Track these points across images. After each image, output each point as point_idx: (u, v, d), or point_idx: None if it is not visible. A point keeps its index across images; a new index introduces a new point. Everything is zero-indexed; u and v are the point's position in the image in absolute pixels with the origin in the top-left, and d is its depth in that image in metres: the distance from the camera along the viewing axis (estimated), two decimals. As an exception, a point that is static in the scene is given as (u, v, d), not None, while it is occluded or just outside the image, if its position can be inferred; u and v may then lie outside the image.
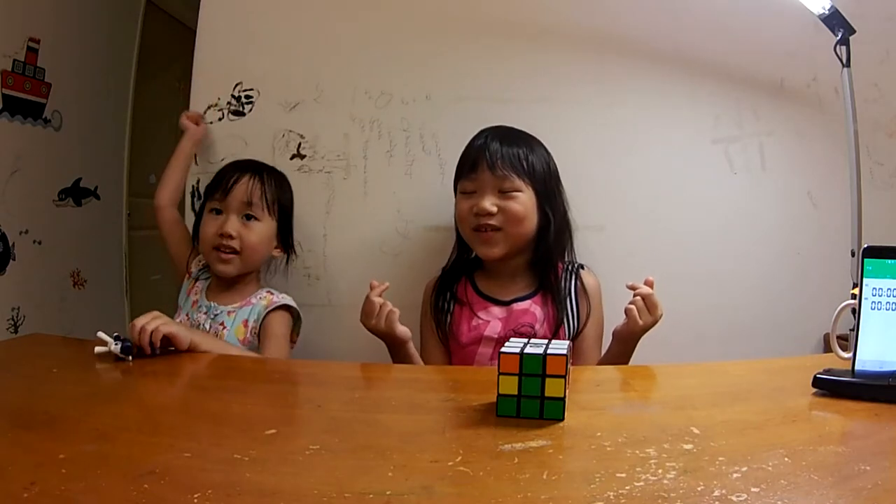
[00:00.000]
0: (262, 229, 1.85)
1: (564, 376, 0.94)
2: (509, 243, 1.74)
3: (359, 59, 2.21)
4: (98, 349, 1.35)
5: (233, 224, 1.80)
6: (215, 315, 1.83)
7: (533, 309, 1.76)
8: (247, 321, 1.82)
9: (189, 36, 2.32)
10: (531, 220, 1.74)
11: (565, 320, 1.75)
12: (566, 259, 1.85)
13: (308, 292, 2.18)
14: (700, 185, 2.19)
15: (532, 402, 0.94)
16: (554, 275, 1.78)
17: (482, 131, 1.82)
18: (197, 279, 1.93)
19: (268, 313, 1.81)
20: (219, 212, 1.83)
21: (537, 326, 1.74)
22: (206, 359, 1.40)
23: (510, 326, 1.76)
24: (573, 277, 1.80)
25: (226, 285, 1.88)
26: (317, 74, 2.21)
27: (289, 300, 1.87)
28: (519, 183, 1.72)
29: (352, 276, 2.19)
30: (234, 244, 1.80)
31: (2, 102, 2.68)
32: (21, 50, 2.77)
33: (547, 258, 1.78)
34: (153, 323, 1.40)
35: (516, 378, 0.95)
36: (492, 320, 1.77)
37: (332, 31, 2.22)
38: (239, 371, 1.38)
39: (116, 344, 1.34)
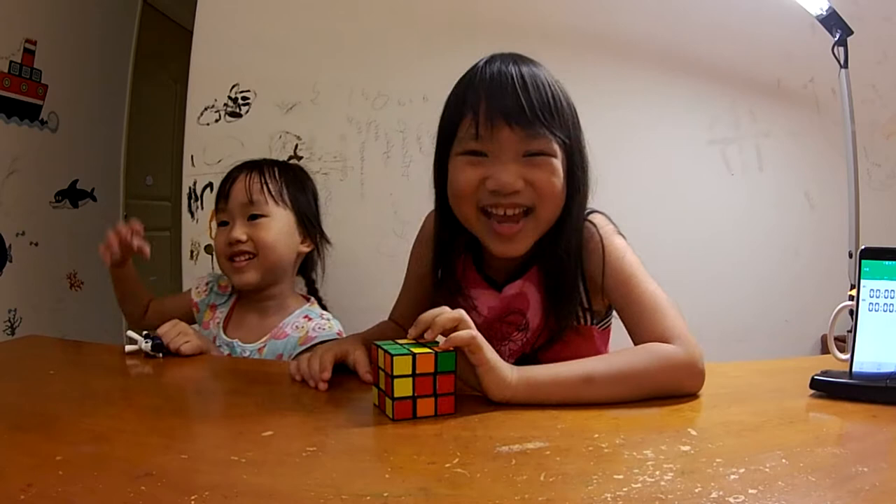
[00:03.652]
0: (273, 224, 1.63)
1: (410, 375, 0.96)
2: (538, 230, 1.22)
3: (355, 61, 2.21)
4: (129, 348, 1.35)
5: (239, 228, 1.61)
6: (242, 356, 1.62)
7: (526, 289, 1.30)
8: (281, 356, 1.61)
9: (186, 37, 2.33)
10: (562, 194, 1.21)
11: (575, 305, 1.28)
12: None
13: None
14: (697, 186, 2.20)
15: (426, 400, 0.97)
16: (560, 243, 1.24)
17: (488, 62, 1.24)
18: (214, 307, 1.73)
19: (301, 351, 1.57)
20: (226, 223, 1.65)
21: (529, 315, 1.30)
22: (203, 360, 1.40)
23: (495, 315, 1.33)
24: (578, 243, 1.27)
25: (247, 313, 1.70)
26: (313, 76, 2.21)
27: (329, 332, 1.63)
28: (551, 145, 1.18)
29: (348, 278, 2.19)
30: (247, 247, 1.60)
31: (-2, 104, 2.68)
32: (17, 51, 2.77)
33: (559, 230, 1.24)
34: (177, 340, 1.37)
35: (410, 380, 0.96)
36: (479, 305, 1.34)
37: (328, 33, 2.22)
38: (235, 373, 1.38)
39: (147, 342, 1.34)
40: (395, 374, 0.94)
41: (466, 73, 1.26)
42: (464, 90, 1.23)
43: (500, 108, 1.15)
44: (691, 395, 1.06)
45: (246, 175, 1.65)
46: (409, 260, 1.49)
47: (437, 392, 0.97)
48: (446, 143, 1.25)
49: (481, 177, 1.18)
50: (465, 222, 1.25)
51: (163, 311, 1.70)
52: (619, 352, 1.11)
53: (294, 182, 1.73)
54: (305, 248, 1.73)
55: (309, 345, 1.57)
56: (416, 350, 0.96)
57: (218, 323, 1.68)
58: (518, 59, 1.23)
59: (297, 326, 1.64)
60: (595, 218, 1.29)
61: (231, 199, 1.63)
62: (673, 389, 1.06)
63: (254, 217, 1.62)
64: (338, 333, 1.64)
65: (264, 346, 1.62)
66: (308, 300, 1.76)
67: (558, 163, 1.19)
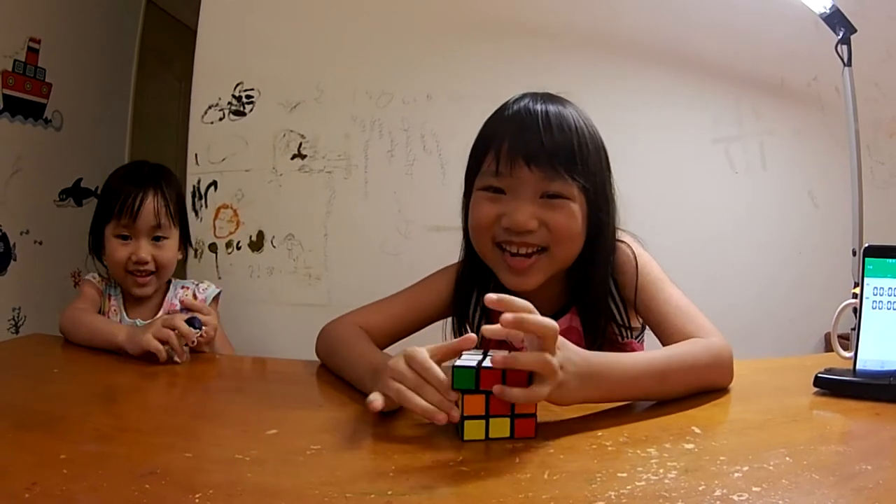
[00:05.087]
0: (171, 245, 1.83)
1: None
2: (552, 269, 1.24)
3: (359, 60, 2.21)
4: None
5: (145, 249, 1.76)
6: None
7: (574, 323, 1.32)
8: None
9: (190, 36, 2.33)
10: (580, 236, 1.23)
11: (615, 325, 1.32)
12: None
13: (308, 292, 2.19)
14: (701, 184, 2.19)
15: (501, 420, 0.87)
16: (594, 275, 1.29)
17: (518, 100, 1.25)
18: (109, 297, 1.84)
19: None
20: (125, 237, 1.77)
21: (582, 346, 1.22)
22: (206, 359, 1.40)
23: None
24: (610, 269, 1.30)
25: (139, 298, 1.84)
26: (318, 74, 2.21)
27: (209, 291, 1.89)
28: (570, 188, 1.19)
29: (352, 276, 2.19)
30: (150, 267, 1.77)
31: (2, 103, 2.68)
32: (22, 50, 2.77)
33: (587, 270, 1.28)
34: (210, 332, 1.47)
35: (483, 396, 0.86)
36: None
37: (332, 32, 2.22)
38: (239, 371, 1.38)
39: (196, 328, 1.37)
40: (455, 387, 0.86)
41: (496, 110, 1.28)
42: (490, 126, 1.26)
43: (521, 148, 1.17)
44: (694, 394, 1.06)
45: (154, 197, 1.79)
46: (418, 282, 1.45)
47: (515, 413, 0.87)
48: (471, 177, 1.27)
49: (498, 213, 1.20)
50: (481, 254, 1.28)
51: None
52: (677, 346, 1.10)
53: (180, 198, 1.91)
54: (180, 257, 1.91)
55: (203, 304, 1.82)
56: (487, 363, 0.86)
57: (115, 310, 1.81)
58: (548, 98, 1.24)
59: (181, 298, 1.83)
60: (624, 237, 1.33)
61: (140, 219, 1.76)
62: (717, 383, 1.09)
63: (157, 238, 1.80)
64: (218, 288, 1.91)
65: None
66: (169, 280, 1.91)
67: (576, 206, 1.20)
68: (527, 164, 1.16)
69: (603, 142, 1.29)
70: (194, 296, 1.88)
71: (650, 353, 1.07)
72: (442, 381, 0.88)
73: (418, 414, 0.88)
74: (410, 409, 0.88)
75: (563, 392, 0.89)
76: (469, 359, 0.89)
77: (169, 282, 1.89)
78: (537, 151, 1.16)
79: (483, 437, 0.86)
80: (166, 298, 1.86)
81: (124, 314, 1.80)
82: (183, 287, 1.89)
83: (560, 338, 0.90)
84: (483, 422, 0.86)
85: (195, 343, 1.37)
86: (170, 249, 1.82)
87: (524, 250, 1.20)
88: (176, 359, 1.33)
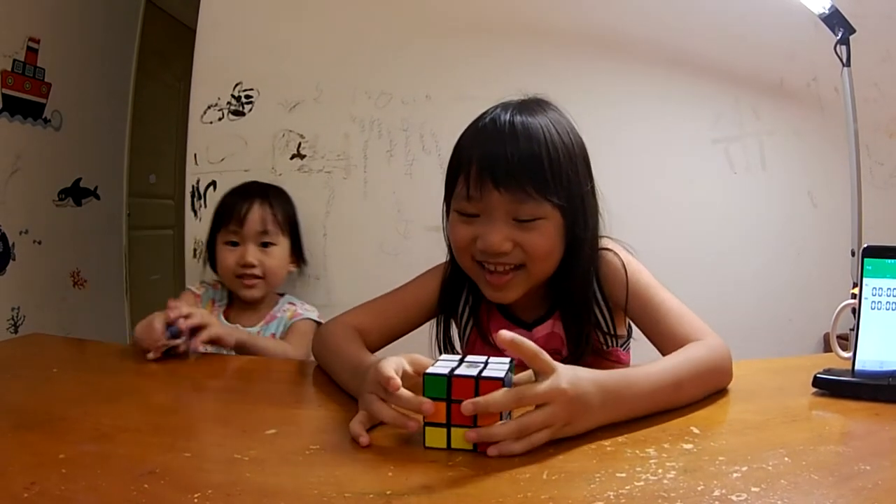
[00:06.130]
0: (279, 252, 1.92)
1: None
2: (531, 282, 1.24)
3: (359, 59, 2.21)
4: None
5: (252, 254, 1.86)
6: None
7: (557, 329, 1.33)
8: (274, 335, 1.88)
9: (189, 36, 2.33)
10: (557, 251, 1.23)
11: (599, 333, 1.32)
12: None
13: (308, 292, 2.18)
14: (700, 184, 2.19)
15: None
16: (575, 286, 1.28)
17: (490, 112, 1.25)
18: (213, 301, 1.94)
19: (293, 323, 1.91)
20: (234, 243, 1.88)
21: (564, 352, 1.32)
22: (206, 359, 1.40)
23: None
24: (593, 278, 1.30)
25: (244, 306, 1.93)
26: (317, 74, 2.21)
27: (313, 314, 1.93)
28: (542, 208, 1.17)
29: (352, 276, 2.19)
30: (257, 271, 1.86)
31: (2, 102, 2.68)
32: (21, 50, 2.77)
33: (568, 279, 1.27)
34: (200, 321, 1.43)
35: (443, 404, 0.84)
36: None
37: (332, 32, 2.22)
38: (239, 371, 1.38)
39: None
40: (426, 395, 0.84)
41: (470, 123, 1.27)
42: (462, 146, 1.25)
43: (489, 171, 1.16)
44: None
45: (261, 205, 1.91)
46: (410, 281, 1.46)
47: (478, 425, 0.83)
48: (448, 191, 1.27)
49: (473, 235, 1.21)
50: (463, 268, 1.29)
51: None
52: (683, 352, 1.08)
53: (291, 211, 2.02)
54: (292, 268, 2.01)
55: (297, 318, 1.91)
56: (459, 371, 0.85)
57: (219, 314, 1.90)
58: (520, 108, 1.22)
59: (284, 310, 1.94)
60: (609, 244, 1.32)
61: (247, 224, 1.87)
62: (720, 385, 1.09)
63: (265, 244, 1.90)
64: (318, 316, 1.93)
65: (261, 330, 1.89)
66: (281, 296, 2.01)
67: (551, 224, 1.19)
68: (496, 188, 1.15)
69: (584, 149, 1.27)
70: (295, 311, 1.94)
71: (659, 362, 1.05)
72: (400, 394, 0.86)
73: (391, 425, 0.87)
74: (384, 422, 0.88)
75: (578, 422, 0.87)
76: (443, 365, 0.88)
77: (282, 295, 1.99)
78: (505, 173, 1.15)
79: (445, 445, 0.84)
80: (273, 311, 1.94)
81: (223, 320, 1.88)
82: (290, 303, 1.96)
83: (573, 367, 0.90)
84: (444, 430, 0.84)
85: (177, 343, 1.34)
86: (277, 257, 1.91)
87: (501, 268, 1.21)
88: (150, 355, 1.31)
